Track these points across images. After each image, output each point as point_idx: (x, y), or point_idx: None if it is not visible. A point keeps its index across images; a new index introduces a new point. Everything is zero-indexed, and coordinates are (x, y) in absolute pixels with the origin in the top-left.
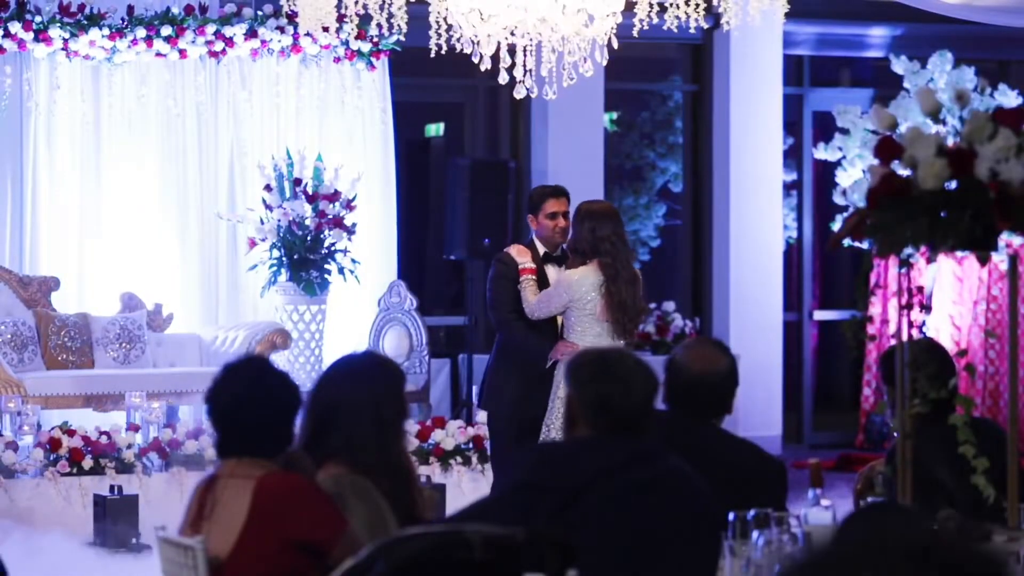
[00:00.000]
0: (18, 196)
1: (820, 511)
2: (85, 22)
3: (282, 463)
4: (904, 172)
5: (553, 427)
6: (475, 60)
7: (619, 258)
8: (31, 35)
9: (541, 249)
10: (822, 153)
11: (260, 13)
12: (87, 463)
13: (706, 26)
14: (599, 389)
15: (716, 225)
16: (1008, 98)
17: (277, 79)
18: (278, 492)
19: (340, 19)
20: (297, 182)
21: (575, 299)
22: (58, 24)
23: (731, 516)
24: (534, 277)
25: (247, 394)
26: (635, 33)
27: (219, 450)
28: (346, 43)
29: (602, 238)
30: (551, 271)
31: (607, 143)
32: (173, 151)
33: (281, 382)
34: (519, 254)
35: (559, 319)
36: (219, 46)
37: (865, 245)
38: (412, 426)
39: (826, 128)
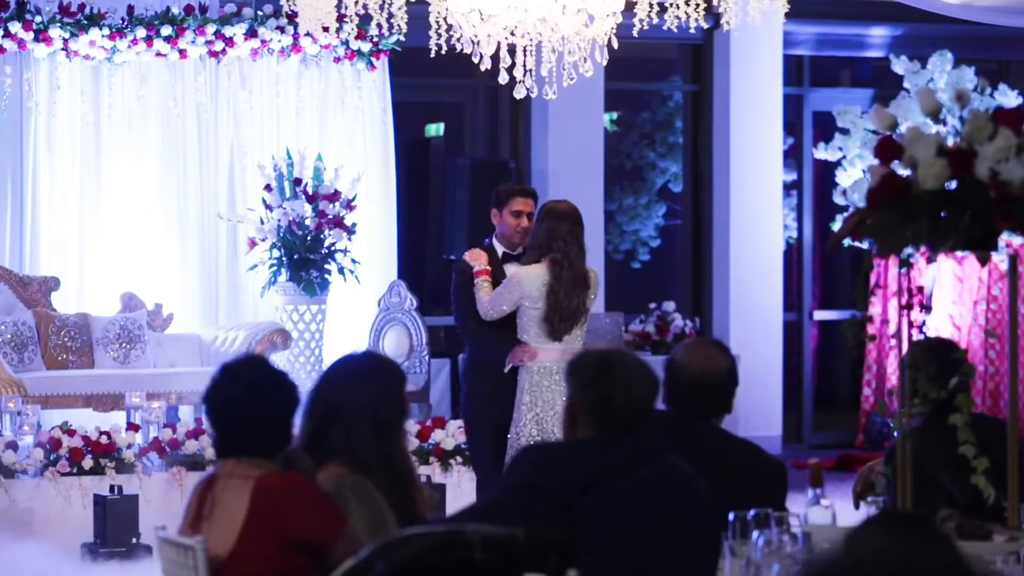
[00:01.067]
0: (18, 196)
1: (820, 511)
2: (85, 22)
3: (282, 462)
4: (904, 172)
5: (522, 433)
6: (475, 60)
7: (568, 258)
8: (31, 35)
9: (500, 250)
10: (822, 153)
11: (260, 13)
12: (87, 463)
13: (706, 26)
14: (601, 390)
15: (716, 225)
16: (1008, 98)
17: (277, 79)
18: (277, 491)
19: (340, 19)
20: (297, 182)
21: (525, 296)
22: (58, 24)
23: (731, 516)
24: (489, 279)
25: (245, 394)
26: (635, 33)
27: (218, 450)
28: (346, 43)
29: (556, 236)
30: (511, 270)
31: (607, 143)
32: (173, 151)
33: (279, 381)
34: (473, 258)
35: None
36: (219, 46)
37: (865, 245)
38: (412, 426)
39: (826, 128)
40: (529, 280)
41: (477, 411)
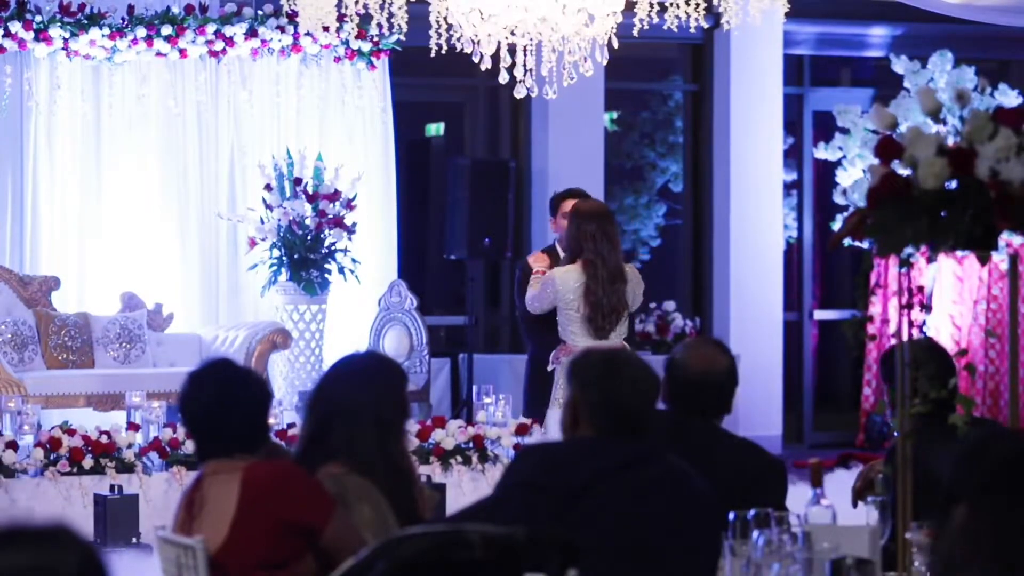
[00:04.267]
0: (18, 196)
1: (820, 511)
2: (85, 21)
3: (263, 456)
4: (904, 172)
5: (553, 429)
6: (475, 60)
7: (601, 256)
8: (31, 34)
9: (561, 253)
10: (822, 153)
11: (260, 12)
12: (87, 463)
13: (706, 26)
14: (605, 390)
15: (716, 225)
16: (1008, 98)
17: (277, 79)
18: (266, 477)
19: (340, 19)
20: (297, 181)
21: (559, 297)
22: (58, 23)
23: (731, 516)
24: (542, 277)
25: (215, 400)
26: (635, 33)
27: (199, 456)
28: (346, 43)
29: (586, 236)
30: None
31: (607, 143)
32: (173, 151)
33: (247, 380)
34: (536, 261)
35: None
36: (219, 46)
37: (865, 245)
38: (412, 426)
39: (826, 128)
40: (563, 282)
41: (535, 408)
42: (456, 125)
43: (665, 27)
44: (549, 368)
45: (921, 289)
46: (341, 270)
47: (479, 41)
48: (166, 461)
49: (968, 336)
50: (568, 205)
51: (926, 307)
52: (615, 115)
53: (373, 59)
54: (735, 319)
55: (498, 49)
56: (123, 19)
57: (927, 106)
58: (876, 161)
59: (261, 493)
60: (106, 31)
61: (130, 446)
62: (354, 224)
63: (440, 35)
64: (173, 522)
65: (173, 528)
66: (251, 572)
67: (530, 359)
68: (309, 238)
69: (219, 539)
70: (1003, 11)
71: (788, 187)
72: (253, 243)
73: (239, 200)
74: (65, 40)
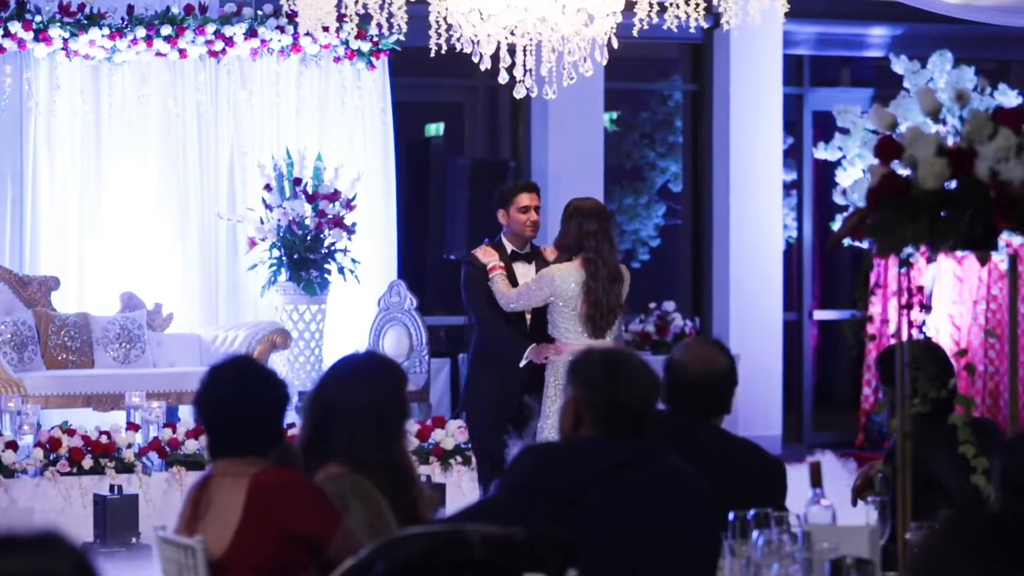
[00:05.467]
0: (18, 196)
1: (820, 511)
2: (85, 22)
3: (276, 459)
4: (904, 172)
5: (545, 426)
6: (475, 60)
7: (602, 255)
8: (31, 35)
9: (509, 247)
10: (822, 153)
11: (260, 13)
12: (87, 463)
13: (706, 26)
14: (610, 391)
15: (716, 225)
16: (1008, 98)
17: (277, 79)
18: (273, 487)
19: (340, 19)
20: (297, 182)
21: (557, 294)
22: (58, 24)
23: (731, 516)
24: (504, 273)
25: (234, 395)
26: (635, 33)
27: (211, 452)
28: (346, 43)
29: (587, 234)
30: (519, 268)
31: (607, 143)
32: (173, 151)
33: (267, 380)
34: (485, 255)
35: (528, 317)
36: (219, 46)
37: (865, 245)
38: (412, 426)
39: (826, 128)
40: (562, 278)
41: (483, 402)
42: (456, 125)
43: (665, 27)
44: (522, 364)
45: (921, 289)
46: (341, 270)
47: (479, 41)
48: (166, 461)
49: (968, 336)
50: (523, 199)
51: (926, 307)
52: (615, 115)
53: (373, 59)
54: (735, 319)
55: (498, 49)
56: (123, 19)
57: (927, 106)
58: (876, 161)
59: (267, 502)
60: (106, 31)
61: (130, 446)
62: (354, 224)
63: (440, 35)
64: (178, 519)
65: (178, 525)
66: None
67: (478, 352)
68: (309, 238)
69: (223, 544)
70: (1003, 11)
71: (788, 187)
72: (253, 243)
73: (239, 200)
74: (65, 40)
